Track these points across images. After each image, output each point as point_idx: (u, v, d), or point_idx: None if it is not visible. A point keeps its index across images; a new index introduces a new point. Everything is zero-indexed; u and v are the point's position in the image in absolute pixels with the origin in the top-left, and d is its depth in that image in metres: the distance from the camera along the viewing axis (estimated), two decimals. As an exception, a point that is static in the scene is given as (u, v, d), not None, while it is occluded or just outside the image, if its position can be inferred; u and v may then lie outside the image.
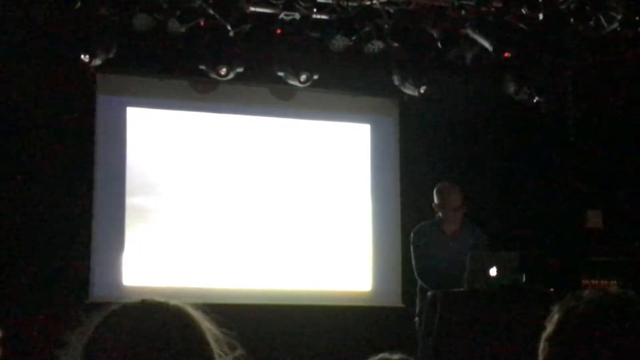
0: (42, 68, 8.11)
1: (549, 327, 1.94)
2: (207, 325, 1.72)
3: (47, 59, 8.08)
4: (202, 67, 8.18)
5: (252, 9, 7.86)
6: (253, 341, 1.83)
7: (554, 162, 9.46)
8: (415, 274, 7.13)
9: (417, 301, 7.15)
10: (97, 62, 7.81)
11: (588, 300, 1.90)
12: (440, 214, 7.22)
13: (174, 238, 8.48)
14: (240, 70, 8.19)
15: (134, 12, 7.54)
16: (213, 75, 8.20)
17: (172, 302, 1.73)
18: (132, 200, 8.42)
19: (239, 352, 1.79)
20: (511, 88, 8.61)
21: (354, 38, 7.95)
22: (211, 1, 7.51)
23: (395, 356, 2.46)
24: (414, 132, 9.27)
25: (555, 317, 1.94)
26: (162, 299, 1.73)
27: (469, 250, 6.95)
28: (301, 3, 7.61)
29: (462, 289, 6.65)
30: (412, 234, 7.24)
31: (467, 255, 6.72)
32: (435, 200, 7.24)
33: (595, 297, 1.91)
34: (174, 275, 8.36)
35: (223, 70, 8.11)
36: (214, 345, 1.71)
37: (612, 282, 8.46)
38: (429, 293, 6.77)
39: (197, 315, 1.72)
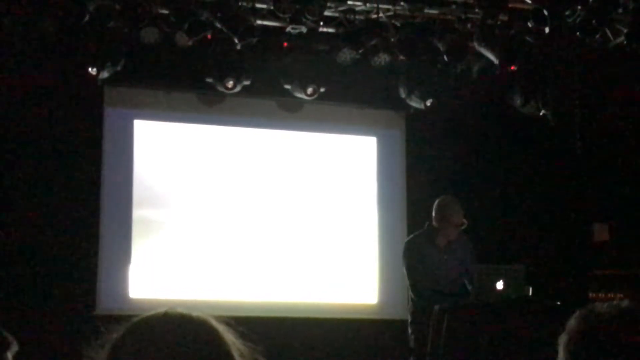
0: (50, 80, 8.14)
1: (566, 336, 2.00)
2: (230, 338, 1.68)
3: (55, 72, 8.12)
4: (209, 80, 8.22)
5: (259, 22, 7.89)
6: (263, 354, 1.81)
7: (560, 175, 9.46)
8: (410, 288, 6.99)
9: (411, 318, 7.04)
10: (105, 74, 7.85)
11: (605, 310, 1.96)
12: (435, 225, 7.06)
13: (181, 250, 8.48)
14: (247, 83, 8.23)
15: (142, 25, 7.57)
16: (220, 88, 8.23)
17: (196, 314, 1.68)
18: (139, 213, 8.44)
19: None
20: (518, 101, 8.62)
21: (360, 51, 7.97)
22: (218, 14, 7.53)
23: None
24: (420, 144, 9.28)
25: (572, 324, 2.01)
26: (185, 311, 1.69)
27: (459, 261, 6.93)
28: (308, 16, 7.63)
29: (468, 302, 6.63)
30: (404, 247, 7.07)
31: (474, 268, 6.71)
32: (437, 213, 7.03)
33: (613, 308, 1.98)
34: (181, 287, 8.36)
35: (230, 83, 8.15)
36: (238, 358, 1.67)
37: (618, 295, 8.44)
38: (436, 307, 6.74)
39: (221, 328, 1.68)
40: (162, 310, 1.69)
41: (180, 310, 1.69)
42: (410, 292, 7.03)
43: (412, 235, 7.25)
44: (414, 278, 6.95)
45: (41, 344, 7.53)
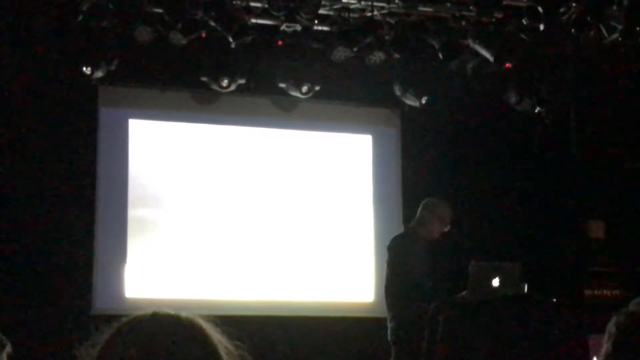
0: (45, 80, 8.12)
1: (614, 328, 2.29)
2: (218, 338, 1.69)
3: (49, 72, 8.10)
4: (204, 79, 8.21)
5: (254, 20, 7.89)
6: (255, 353, 1.81)
7: (556, 173, 9.47)
8: (403, 288, 6.77)
9: (392, 320, 6.88)
10: (99, 74, 7.84)
11: None
12: (424, 224, 6.98)
13: (177, 250, 8.47)
14: (242, 81, 8.22)
15: (136, 24, 7.56)
16: (215, 87, 8.22)
17: (184, 314, 1.70)
18: (134, 213, 8.43)
19: None
20: (513, 98, 8.62)
21: (355, 49, 7.97)
22: (213, 13, 7.53)
23: None
24: (415, 142, 9.28)
25: (618, 320, 2.27)
26: (173, 311, 1.70)
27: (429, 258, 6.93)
28: (302, 15, 7.63)
29: (464, 300, 6.63)
30: (395, 245, 6.91)
31: (470, 265, 6.70)
32: (434, 214, 6.95)
33: None
34: (177, 287, 8.36)
35: (225, 82, 8.14)
36: (225, 358, 1.68)
37: (613, 292, 8.46)
38: (433, 305, 6.73)
39: (209, 328, 1.69)
40: (149, 310, 1.70)
41: (167, 310, 1.70)
42: (401, 288, 6.89)
43: (398, 235, 7.12)
44: (409, 279, 6.84)
45: (36, 344, 7.51)
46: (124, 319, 1.69)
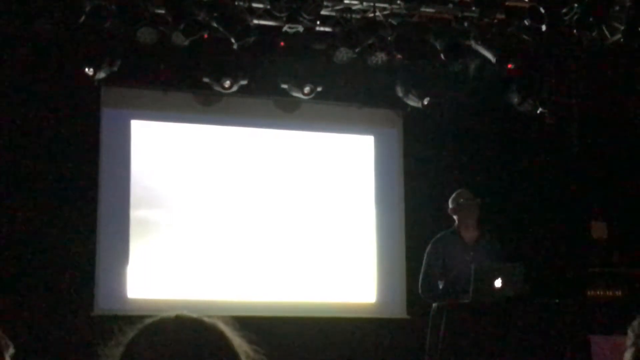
0: (47, 81, 8.13)
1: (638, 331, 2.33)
2: (239, 342, 1.72)
3: (51, 72, 8.11)
4: (206, 79, 8.22)
5: (256, 21, 7.88)
6: (265, 355, 1.82)
7: (558, 174, 9.46)
8: (419, 284, 7.14)
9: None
10: (102, 75, 7.84)
11: None
12: (455, 217, 7.22)
13: (179, 250, 8.48)
14: (244, 82, 8.22)
15: (139, 25, 7.56)
16: (217, 88, 8.23)
17: (207, 318, 1.72)
18: (136, 213, 8.43)
19: None
20: (515, 99, 8.62)
21: (357, 50, 7.96)
22: (215, 14, 7.53)
23: None
24: (417, 143, 9.28)
25: None
26: (196, 314, 1.73)
27: (486, 258, 6.99)
28: (305, 16, 7.62)
29: (467, 301, 6.64)
30: (430, 244, 7.22)
31: (473, 267, 6.72)
32: (450, 205, 7.24)
33: None
34: (179, 287, 8.36)
35: (227, 83, 8.15)
36: None
37: (616, 292, 8.46)
38: (434, 305, 6.78)
39: (229, 332, 1.72)
40: (172, 313, 1.73)
41: (190, 314, 1.73)
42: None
43: (439, 234, 7.34)
44: (422, 279, 7.12)
45: (39, 344, 7.52)
46: (147, 320, 1.71)
